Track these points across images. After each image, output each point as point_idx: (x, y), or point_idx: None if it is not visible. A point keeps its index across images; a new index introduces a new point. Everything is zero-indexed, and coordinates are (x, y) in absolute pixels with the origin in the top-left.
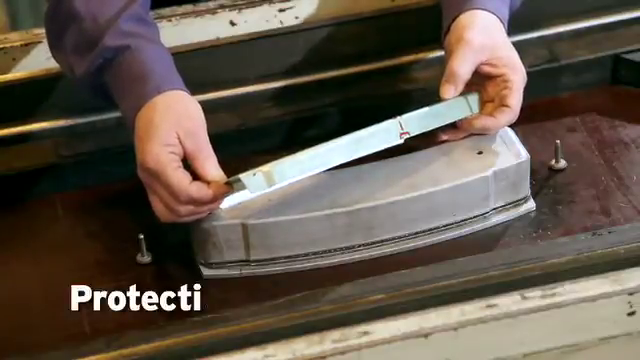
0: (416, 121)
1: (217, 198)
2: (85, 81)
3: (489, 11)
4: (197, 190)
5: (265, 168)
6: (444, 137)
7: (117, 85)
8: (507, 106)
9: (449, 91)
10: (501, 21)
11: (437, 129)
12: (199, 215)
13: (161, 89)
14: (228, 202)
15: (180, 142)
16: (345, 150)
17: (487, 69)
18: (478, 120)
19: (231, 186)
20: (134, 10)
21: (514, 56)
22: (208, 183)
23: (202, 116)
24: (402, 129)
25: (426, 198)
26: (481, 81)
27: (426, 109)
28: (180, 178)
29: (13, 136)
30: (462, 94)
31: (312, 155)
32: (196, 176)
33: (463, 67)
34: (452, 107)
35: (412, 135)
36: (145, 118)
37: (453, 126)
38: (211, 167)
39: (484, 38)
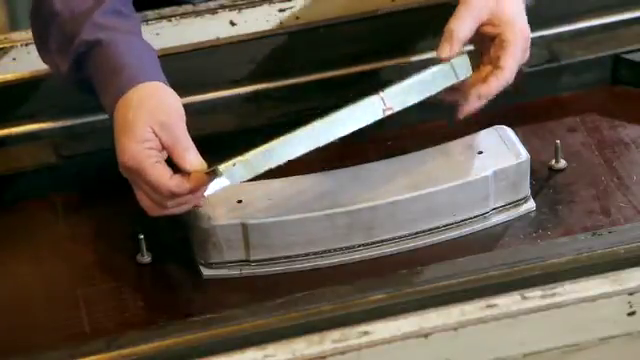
0: (399, 95)
1: (198, 189)
2: (70, 79)
3: None
4: (177, 185)
5: (243, 157)
6: (448, 98)
7: (96, 81)
8: (499, 67)
9: (444, 50)
10: None
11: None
12: (186, 206)
13: (134, 82)
14: (213, 189)
15: (156, 136)
16: (327, 131)
17: (488, 29)
18: (473, 89)
19: (212, 175)
20: (110, 3)
21: (517, 15)
22: (189, 174)
23: (179, 107)
24: (384, 105)
25: (426, 198)
26: (482, 43)
27: (409, 81)
28: (159, 174)
29: (13, 136)
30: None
31: (292, 139)
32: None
33: (460, 25)
34: (436, 76)
35: (395, 111)
36: (121, 114)
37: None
38: (190, 157)
39: None
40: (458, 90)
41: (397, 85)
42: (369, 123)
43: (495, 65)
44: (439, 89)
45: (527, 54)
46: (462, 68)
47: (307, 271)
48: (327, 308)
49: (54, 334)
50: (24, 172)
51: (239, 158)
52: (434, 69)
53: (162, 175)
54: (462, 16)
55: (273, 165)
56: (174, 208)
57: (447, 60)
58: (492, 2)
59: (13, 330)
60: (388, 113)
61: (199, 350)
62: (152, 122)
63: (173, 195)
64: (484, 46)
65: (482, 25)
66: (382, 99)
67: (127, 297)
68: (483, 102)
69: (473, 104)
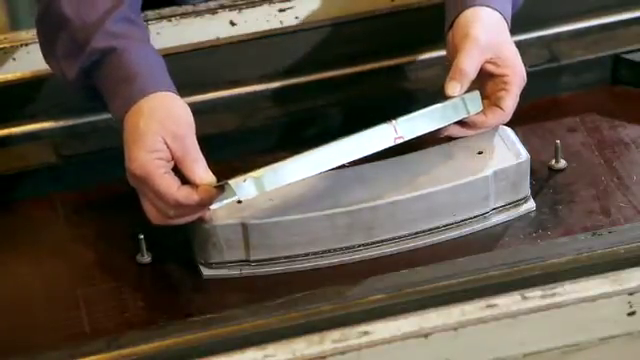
0: (411, 125)
1: (205, 202)
2: (77, 85)
3: (493, 8)
4: (185, 196)
5: (255, 174)
6: (445, 134)
7: (105, 88)
8: (500, 108)
9: (455, 88)
10: (505, 19)
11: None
12: (190, 218)
13: (146, 92)
14: (220, 203)
15: (167, 146)
16: (337, 155)
17: (489, 67)
18: (471, 117)
19: (221, 189)
20: (122, 11)
21: (517, 57)
22: (197, 186)
23: (189, 118)
24: (396, 133)
25: (426, 198)
26: (480, 78)
27: (421, 112)
28: (168, 184)
29: (13, 136)
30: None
31: (303, 160)
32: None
33: (470, 65)
34: (448, 109)
35: (406, 140)
36: (131, 123)
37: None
38: (199, 170)
39: (490, 36)
40: None
41: (409, 115)
42: (378, 150)
43: (495, 103)
44: (449, 122)
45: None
46: (473, 103)
47: (307, 271)
48: (327, 308)
49: (54, 334)
50: (24, 172)
51: (250, 174)
52: (447, 103)
53: (170, 186)
54: (471, 55)
55: (282, 184)
56: (179, 218)
57: (451, 97)
58: (495, 42)
59: (13, 330)
60: (398, 142)
61: (199, 350)
62: (163, 132)
63: (179, 206)
64: (481, 81)
65: (484, 62)
66: (394, 128)
67: (127, 297)
68: (474, 131)
69: (465, 130)
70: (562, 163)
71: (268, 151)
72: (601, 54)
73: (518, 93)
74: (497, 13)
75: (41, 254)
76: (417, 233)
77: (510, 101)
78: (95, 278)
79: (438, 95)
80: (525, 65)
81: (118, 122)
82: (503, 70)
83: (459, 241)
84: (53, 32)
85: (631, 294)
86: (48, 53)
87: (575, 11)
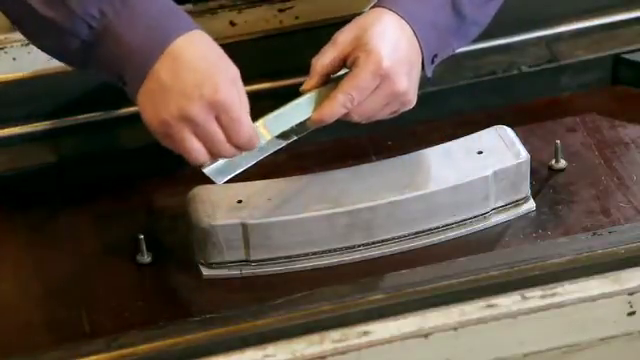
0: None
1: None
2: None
3: (388, 9)
4: (254, 130)
5: (259, 122)
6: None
7: (136, 21)
8: (337, 89)
9: (305, 83)
10: (402, 17)
11: None
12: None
13: (196, 26)
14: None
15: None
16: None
17: (350, 60)
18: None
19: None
20: None
21: (377, 45)
22: None
23: None
24: None
25: (426, 198)
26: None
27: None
28: (246, 113)
29: (13, 136)
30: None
31: (294, 105)
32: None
33: (319, 59)
34: (301, 105)
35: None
36: (200, 49)
37: None
38: (249, 119)
39: (350, 32)
40: None
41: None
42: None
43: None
44: (305, 117)
45: (390, 88)
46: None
47: (307, 271)
48: (327, 308)
49: (54, 334)
50: (23, 172)
51: (255, 123)
52: (304, 97)
53: (248, 115)
54: (323, 50)
55: (285, 128)
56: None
57: (305, 92)
58: (351, 35)
59: (13, 330)
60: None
61: (199, 350)
62: (227, 72)
63: (246, 144)
64: None
65: (348, 58)
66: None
67: (127, 297)
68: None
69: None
70: (562, 163)
71: None
72: (601, 54)
73: (364, 76)
74: (387, 12)
75: (40, 254)
76: (417, 233)
77: (346, 82)
78: (95, 278)
79: (438, 93)
80: (525, 65)
81: (154, 48)
82: (356, 53)
83: (459, 241)
84: None
85: (631, 294)
86: None
87: (575, 11)
